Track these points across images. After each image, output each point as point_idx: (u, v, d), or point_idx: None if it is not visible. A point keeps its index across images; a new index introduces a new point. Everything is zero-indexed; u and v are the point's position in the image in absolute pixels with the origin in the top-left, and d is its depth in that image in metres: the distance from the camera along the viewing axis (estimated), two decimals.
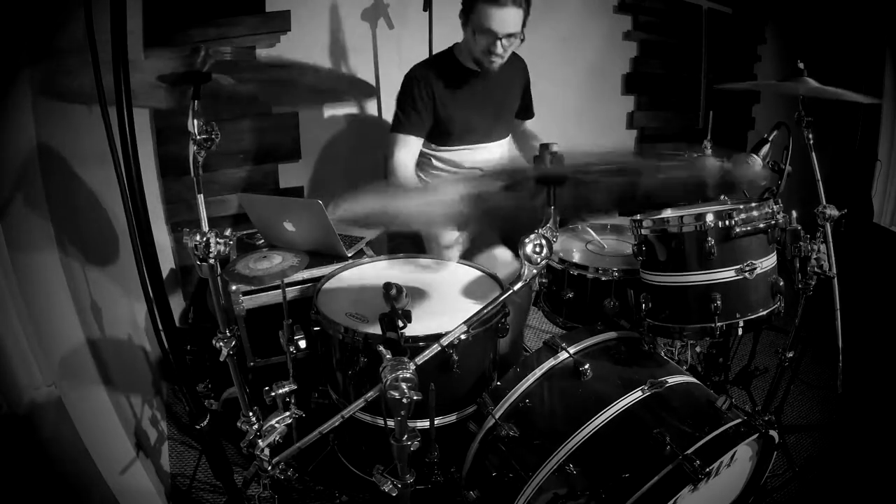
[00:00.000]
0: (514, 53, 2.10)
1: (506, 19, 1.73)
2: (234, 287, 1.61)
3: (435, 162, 2.05)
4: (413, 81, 1.93)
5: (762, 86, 2.84)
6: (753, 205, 1.33)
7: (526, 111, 2.22)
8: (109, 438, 1.41)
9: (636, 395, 1.20)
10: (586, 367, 1.25)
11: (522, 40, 1.84)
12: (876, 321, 2.37)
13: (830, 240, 1.54)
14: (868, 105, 3.05)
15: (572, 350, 1.33)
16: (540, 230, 1.09)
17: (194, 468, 1.73)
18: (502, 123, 2.10)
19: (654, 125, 3.37)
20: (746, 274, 1.31)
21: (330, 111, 2.55)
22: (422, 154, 2.06)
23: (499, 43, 1.78)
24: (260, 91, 1.36)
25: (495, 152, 2.10)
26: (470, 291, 1.53)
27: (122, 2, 0.83)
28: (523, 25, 1.79)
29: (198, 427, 1.18)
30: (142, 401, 1.78)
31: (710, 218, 1.30)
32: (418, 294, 1.51)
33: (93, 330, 1.52)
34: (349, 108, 2.58)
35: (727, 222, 1.30)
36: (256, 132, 2.41)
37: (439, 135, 2.00)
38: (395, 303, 0.98)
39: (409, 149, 1.96)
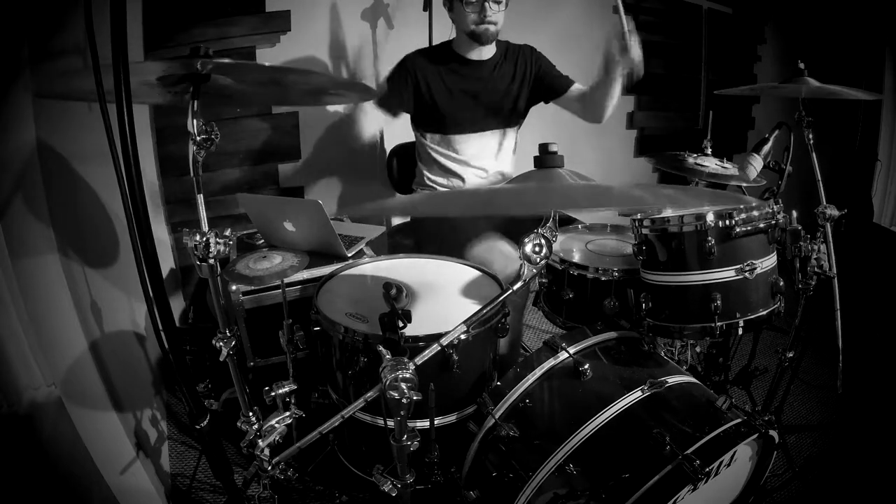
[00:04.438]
0: (517, 45, 2.09)
1: None
2: (234, 287, 1.61)
3: (432, 153, 2.06)
4: (399, 64, 1.99)
5: (760, 89, 2.84)
6: (753, 205, 1.33)
7: (562, 82, 2.10)
8: (109, 438, 1.41)
9: (636, 395, 1.20)
10: (586, 367, 1.25)
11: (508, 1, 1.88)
12: (876, 321, 2.37)
13: (830, 240, 1.54)
14: (868, 105, 3.05)
15: (572, 350, 1.33)
16: (539, 229, 1.09)
17: (194, 468, 1.73)
18: (497, 116, 2.09)
19: (654, 125, 3.37)
20: (746, 274, 1.31)
21: (331, 111, 2.55)
22: (420, 145, 2.10)
23: (487, 6, 1.82)
24: (259, 92, 1.36)
25: (489, 144, 2.09)
26: (470, 291, 1.53)
27: (122, 1, 0.83)
28: None
29: (198, 427, 1.18)
30: (142, 401, 1.78)
31: (710, 218, 1.30)
32: (418, 294, 1.51)
33: (93, 330, 1.52)
34: (350, 108, 2.58)
35: (727, 222, 1.30)
36: (256, 132, 2.41)
37: (430, 121, 2.03)
38: (394, 303, 0.98)
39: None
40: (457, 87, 2.00)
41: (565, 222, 2.09)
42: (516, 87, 2.09)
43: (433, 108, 2.00)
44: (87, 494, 1.26)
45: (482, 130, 2.07)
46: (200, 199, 1.13)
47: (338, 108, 2.56)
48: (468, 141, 2.06)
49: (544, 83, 2.10)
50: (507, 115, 2.12)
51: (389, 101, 2.01)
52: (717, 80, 3.37)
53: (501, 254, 1.77)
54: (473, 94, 2.01)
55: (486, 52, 2.01)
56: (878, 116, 3.06)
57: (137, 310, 1.96)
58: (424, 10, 2.37)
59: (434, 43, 2.40)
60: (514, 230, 1.93)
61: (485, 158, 2.10)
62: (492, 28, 1.88)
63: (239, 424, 1.20)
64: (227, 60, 1.07)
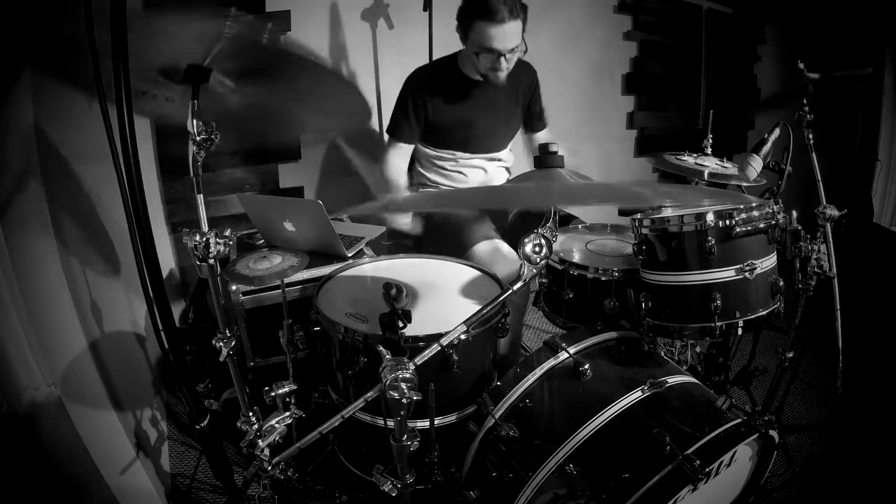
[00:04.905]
0: (520, 60, 2.09)
1: (506, 36, 1.71)
2: (234, 287, 1.61)
3: (434, 160, 2.06)
4: (409, 88, 1.94)
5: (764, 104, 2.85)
6: (753, 204, 1.33)
7: (535, 120, 2.15)
8: (109, 438, 1.41)
9: (636, 395, 1.20)
10: (586, 367, 1.25)
11: (525, 51, 1.82)
12: (876, 321, 2.37)
13: (830, 240, 1.54)
14: (868, 105, 3.05)
15: (572, 350, 1.33)
16: (539, 230, 1.09)
17: (194, 468, 1.73)
18: (499, 136, 2.09)
19: (654, 125, 3.37)
20: (746, 274, 1.31)
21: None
22: (420, 151, 2.08)
23: (503, 59, 1.77)
24: (260, 105, 1.37)
25: (490, 164, 2.10)
26: (470, 291, 1.53)
27: (122, 1, 0.83)
28: (523, 33, 1.77)
29: (198, 427, 1.18)
30: (142, 401, 1.78)
31: (710, 217, 1.30)
32: (418, 294, 1.51)
33: (93, 330, 1.52)
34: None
35: (727, 222, 1.30)
36: (256, 132, 2.41)
37: (434, 138, 2.01)
38: (394, 303, 0.98)
39: (398, 153, 1.99)
40: (466, 111, 1.96)
41: (565, 222, 2.09)
42: (517, 102, 2.07)
43: (440, 129, 1.97)
44: (87, 494, 1.26)
45: (486, 152, 2.07)
46: (200, 199, 1.13)
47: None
48: (473, 161, 2.06)
49: (526, 112, 2.12)
50: (506, 135, 2.12)
51: (407, 135, 1.96)
52: (717, 80, 3.37)
53: (503, 259, 1.77)
54: (480, 118, 1.98)
55: None
56: (878, 116, 3.06)
57: (137, 310, 1.96)
58: (424, 10, 2.37)
59: (433, 42, 2.41)
60: (516, 235, 1.93)
61: (489, 177, 2.11)
62: (502, 75, 1.83)
63: (239, 424, 1.20)
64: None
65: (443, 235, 1.95)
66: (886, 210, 3.09)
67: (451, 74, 1.95)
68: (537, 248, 1.07)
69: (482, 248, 1.81)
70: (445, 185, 2.10)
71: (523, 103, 2.09)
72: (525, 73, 2.06)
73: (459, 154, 2.03)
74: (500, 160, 2.13)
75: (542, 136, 2.18)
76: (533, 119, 2.15)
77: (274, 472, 1.17)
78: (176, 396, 2.07)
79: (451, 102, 1.94)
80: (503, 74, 1.83)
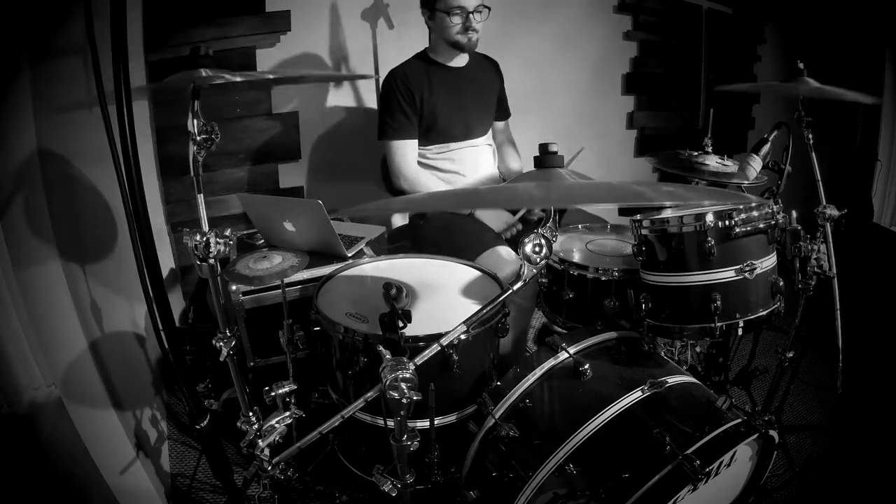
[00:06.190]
0: (485, 56, 2.14)
1: None
2: (234, 287, 1.61)
3: (428, 158, 2.06)
4: (393, 83, 1.97)
5: (762, 86, 2.84)
6: (753, 204, 1.33)
7: (502, 108, 2.26)
8: (109, 438, 1.41)
9: (636, 395, 1.20)
10: (586, 367, 1.25)
11: (489, 9, 1.91)
12: (876, 321, 2.37)
13: (830, 240, 1.54)
14: (868, 105, 3.05)
15: (572, 350, 1.33)
16: (540, 230, 1.09)
17: (194, 468, 1.73)
18: (483, 119, 2.13)
19: (654, 125, 3.37)
20: (746, 274, 1.31)
21: (329, 107, 2.55)
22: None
23: (471, 17, 1.86)
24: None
25: (482, 152, 2.11)
26: (470, 291, 1.53)
27: (122, 1, 0.83)
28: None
29: (198, 427, 1.18)
30: (142, 401, 1.78)
31: (709, 218, 1.30)
32: (418, 294, 1.51)
33: (93, 330, 1.52)
34: (349, 102, 2.58)
35: (727, 222, 1.30)
36: (256, 132, 2.41)
37: (426, 134, 2.03)
38: (394, 303, 0.97)
39: (409, 152, 2.00)
40: (448, 94, 2.00)
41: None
42: (492, 90, 2.16)
43: (431, 117, 2.00)
44: (87, 494, 1.26)
45: (477, 136, 2.10)
46: (200, 199, 1.13)
47: (338, 107, 2.57)
48: (465, 150, 2.07)
49: (498, 102, 2.21)
50: (489, 119, 2.16)
51: (409, 129, 1.98)
52: (717, 80, 3.37)
53: (506, 265, 1.77)
54: (462, 98, 2.03)
55: (462, 58, 2.05)
56: (878, 116, 3.06)
57: (137, 310, 1.96)
58: None
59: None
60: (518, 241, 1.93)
61: (480, 166, 2.12)
62: (474, 37, 1.91)
63: (239, 424, 1.20)
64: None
65: (443, 244, 1.94)
66: (886, 210, 3.08)
67: (426, 64, 2.02)
68: (537, 248, 1.07)
69: (484, 257, 1.80)
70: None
71: (497, 93, 2.19)
72: (493, 67, 2.20)
73: (453, 145, 2.05)
74: (489, 144, 2.18)
75: (501, 126, 2.30)
76: (501, 108, 2.27)
77: (274, 472, 1.17)
78: (176, 396, 2.07)
79: (434, 89, 1.99)
80: (475, 35, 1.92)
